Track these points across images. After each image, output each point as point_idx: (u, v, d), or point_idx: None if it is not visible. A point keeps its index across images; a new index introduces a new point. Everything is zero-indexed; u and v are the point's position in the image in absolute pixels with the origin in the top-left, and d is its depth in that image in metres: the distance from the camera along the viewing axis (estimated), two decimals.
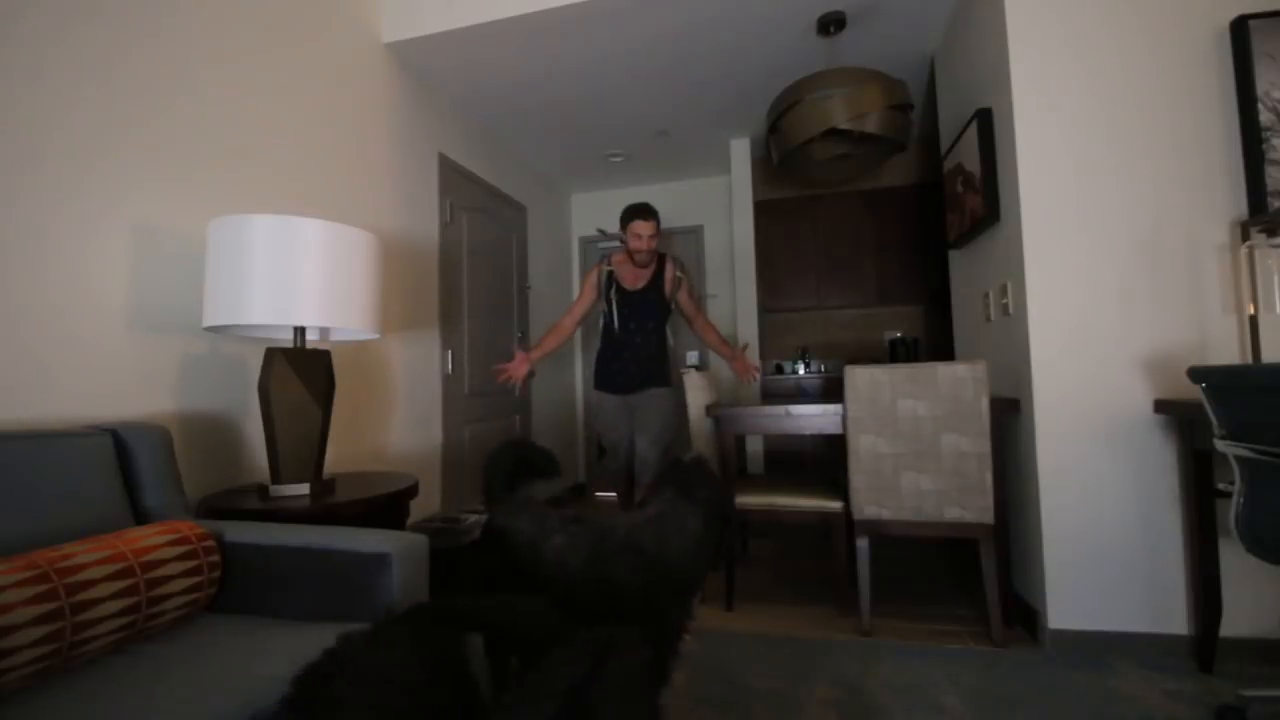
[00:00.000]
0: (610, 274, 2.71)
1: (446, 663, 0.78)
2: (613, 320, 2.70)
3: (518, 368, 2.54)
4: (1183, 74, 1.91)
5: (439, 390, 3.06)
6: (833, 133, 2.59)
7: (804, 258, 4.32)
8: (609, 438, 2.79)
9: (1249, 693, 1.50)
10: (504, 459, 1.58)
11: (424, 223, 2.98)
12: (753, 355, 4.00)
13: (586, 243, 4.97)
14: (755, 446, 3.98)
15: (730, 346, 2.77)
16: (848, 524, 2.17)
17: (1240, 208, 1.85)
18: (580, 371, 4.93)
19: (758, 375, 2.72)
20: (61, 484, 1.20)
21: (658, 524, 1.30)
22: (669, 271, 2.71)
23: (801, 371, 4.30)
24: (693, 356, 4.65)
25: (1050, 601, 1.94)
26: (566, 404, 4.73)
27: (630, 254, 2.65)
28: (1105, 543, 1.91)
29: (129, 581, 1.07)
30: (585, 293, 2.75)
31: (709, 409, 2.43)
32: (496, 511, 1.46)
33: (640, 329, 2.70)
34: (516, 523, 1.41)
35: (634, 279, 2.69)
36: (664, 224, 4.85)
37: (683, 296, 2.74)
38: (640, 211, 2.59)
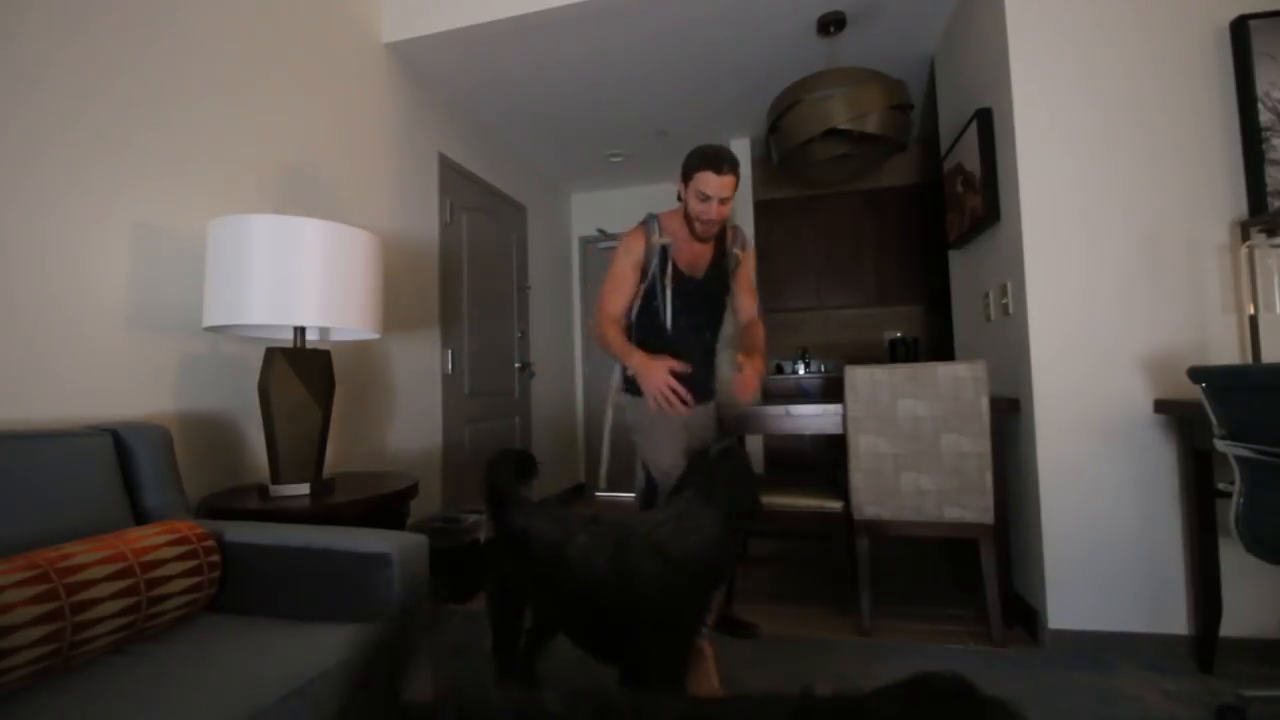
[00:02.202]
0: (665, 250, 1.87)
1: None
2: (662, 312, 1.89)
3: (667, 373, 1.68)
4: (1183, 74, 1.91)
5: (439, 390, 3.05)
6: (833, 133, 2.59)
7: (804, 258, 4.32)
8: (661, 464, 1.84)
9: (1249, 693, 1.50)
10: (508, 462, 1.59)
11: (424, 223, 2.98)
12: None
13: (586, 242, 4.97)
14: (755, 446, 3.98)
15: (751, 354, 1.87)
16: (848, 524, 2.17)
17: (1240, 208, 1.85)
18: (580, 369, 4.92)
19: (752, 396, 1.82)
20: (61, 484, 1.20)
21: (676, 524, 1.30)
22: (731, 246, 1.98)
23: (801, 371, 4.30)
24: None
25: (1050, 601, 1.94)
26: (566, 403, 4.73)
27: (689, 222, 1.84)
28: (1105, 542, 1.91)
29: (129, 581, 1.07)
30: (624, 277, 1.88)
31: None
32: (516, 513, 1.47)
33: (694, 327, 1.93)
34: (537, 523, 1.41)
35: (692, 259, 1.92)
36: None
37: (740, 280, 2.01)
38: (713, 159, 1.72)
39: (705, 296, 1.94)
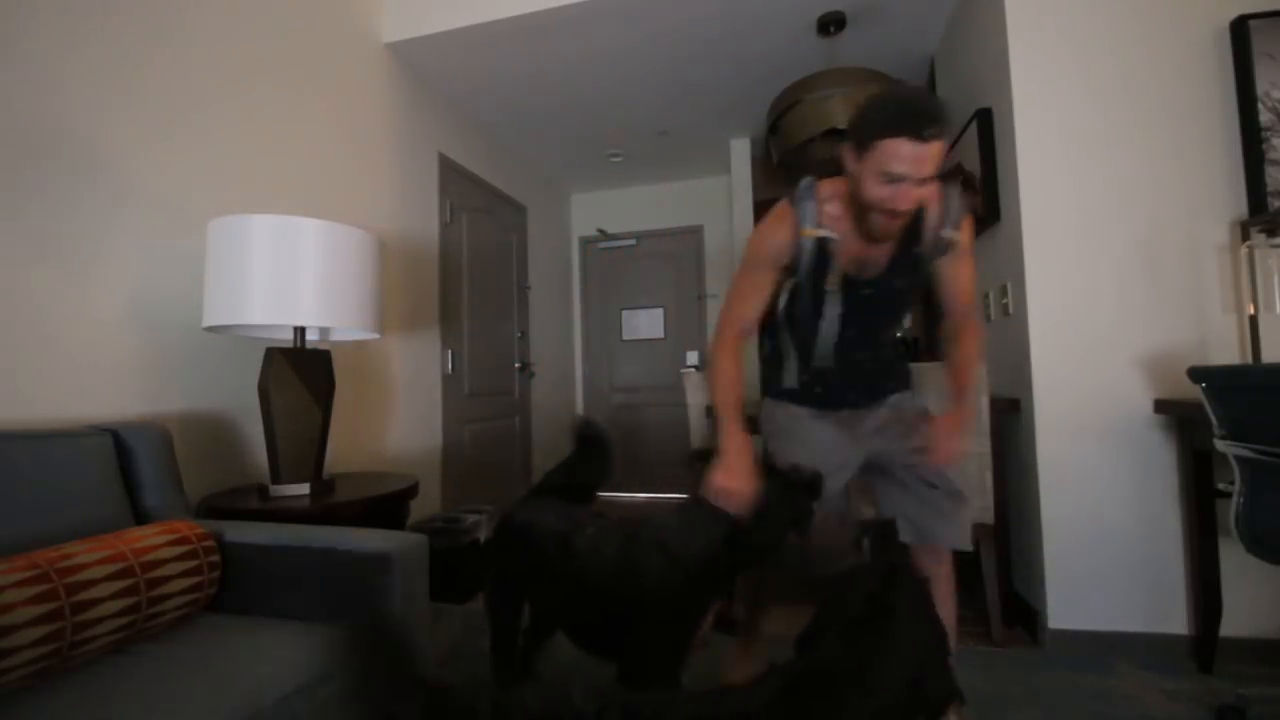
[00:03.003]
0: (824, 246, 1.30)
1: None
2: (814, 323, 1.39)
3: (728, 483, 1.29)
4: (1183, 74, 1.91)
5: (439, 390, 3.05)
6: (833, 133, 2.59)
7: None
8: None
9: (1249, 693, 1.50)
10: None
11: (424, 223, 2.98)
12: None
13: (586, 242, 4.97)
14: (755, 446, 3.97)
15: (961, 396, 1.39)
16: None
17: (1240, 207, 1.85)
18: (580, 369, 4.92)
19: (947, 460, 1.34)
20: (61, 484, 1.20)
21: (679, 519, 1.31)
22: (936, 218, 1.30)
23: None
24: (691, 356, 4.64)
25: (1050, 601, 1.94)
26: (566, 403, 4.73)
27: (862, 212, 1.23)
28: (1105, 542, 1.91)
29: (129, 581, 1.07)
30: (760, 275, 1.37)
31: (709, 410, 2.43)
32: (516, 508, 1.47)
33: (867, 339, 1.42)
34: (543, 517, 1.41)
35: (863, 255, 1.32)
36: (663, 225, 4.80)
37: (955, 267, 1.37)
38: (911, 118, 1.09)
39: (877, 303, 1.37)
